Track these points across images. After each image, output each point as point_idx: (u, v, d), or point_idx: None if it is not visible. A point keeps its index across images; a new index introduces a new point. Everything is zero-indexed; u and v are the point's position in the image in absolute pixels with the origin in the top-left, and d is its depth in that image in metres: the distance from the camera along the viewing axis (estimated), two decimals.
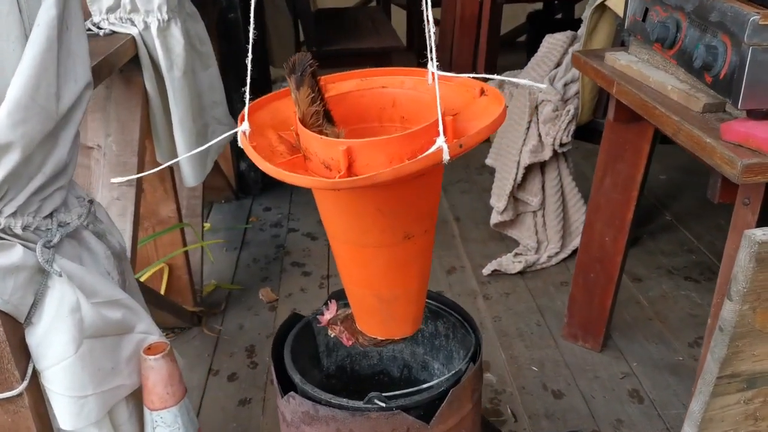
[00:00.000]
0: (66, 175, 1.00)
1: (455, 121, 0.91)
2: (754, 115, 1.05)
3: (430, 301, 1.25)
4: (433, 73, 0.90)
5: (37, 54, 0.87)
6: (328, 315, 1.17)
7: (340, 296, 1.20)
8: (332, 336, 1.17)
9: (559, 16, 4.44)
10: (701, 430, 1.12)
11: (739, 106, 1.03)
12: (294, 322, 1.23)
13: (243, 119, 0.90)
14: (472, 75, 0.99)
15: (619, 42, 2.00)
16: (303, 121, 0.88)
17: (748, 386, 1.08)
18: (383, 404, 1.01)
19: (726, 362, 1.04)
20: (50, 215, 0.98)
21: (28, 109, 0.87)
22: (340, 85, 1.02)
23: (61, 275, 0.96)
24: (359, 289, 1.01)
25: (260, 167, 0.82)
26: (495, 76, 0.95)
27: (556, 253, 2.33)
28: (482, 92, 0.98)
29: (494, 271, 2.28)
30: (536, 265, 2.31)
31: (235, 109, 2.73)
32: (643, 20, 1.37)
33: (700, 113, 1.16)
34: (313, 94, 0.88)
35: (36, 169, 0.93)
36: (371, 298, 0.99)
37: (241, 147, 0.88)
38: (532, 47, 4.20)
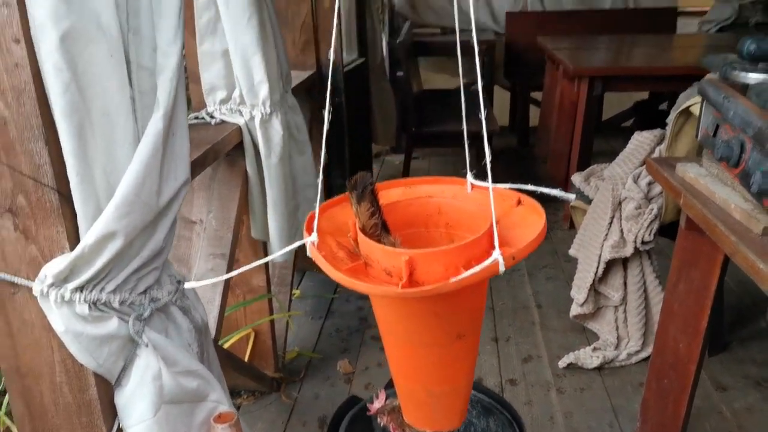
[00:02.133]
0: (161, 257, 1.15)
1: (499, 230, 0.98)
2: None
3: (481, 395, 1.29)
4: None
5: (144, 158, 1.03)
6: (377, 404, 1.24)
7: (389, 385, 1.28)
8: (381, 425, 1.24)
9: (664, 106, 4.41)
10: None
11: None
12: (352, 404, 1.31)
13: (311, 230, 1.00)
14: (508, 186, 1.06)
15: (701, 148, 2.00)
16: (363, 231, 0.98)
17: None
18: None
19: None
20: (144, 292, 1.13)
21: (132, 204, 1.03)
22: (389, 192, 1.12)
23: (147, 345, 1.10)
24: (409, 384, 1.08)
25: (331, 276, 0.91)
26: (529, 187, 1.02)
27: (637, 352, 2.28)
28: (519, 202, 1.06)
29: (570, 364, 2.27)
30: (615, 362, 2.27)
31: (331, 185, 2.92)
32: (714, 136, 1.39)
33: (759, 236, 1.16)
34: (372, 208, 0.98)
35: (135, 253, 1.08)
36: (421, 392, 1.06)
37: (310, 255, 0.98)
38: (634, 130, 4.18)
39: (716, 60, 1.39)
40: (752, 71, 1.26)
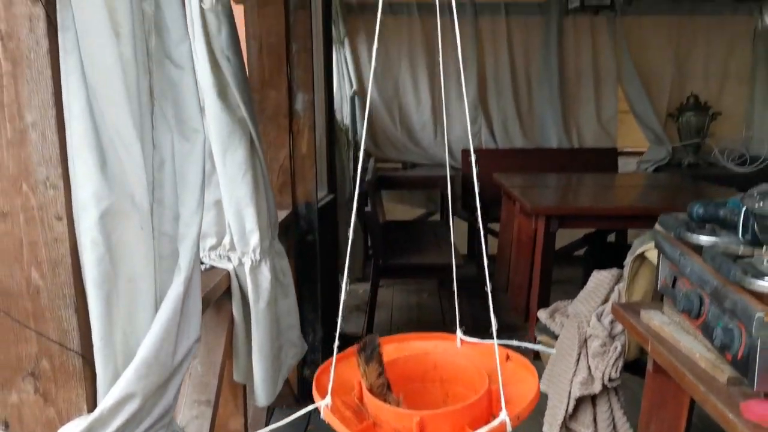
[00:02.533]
0: (169, 414, 1.19)
1: (491, 384, 1.07)
2: None
3: None
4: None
5: (164, 322, 1.10)
6: None
7: None
8: None
9: (612, 238, 4.69)
10: None
11: (754, 389, 1.15)
12: None
13: (322, 390, 1.07)
14: (497, 342, 1.16)
15: (660, 293, 2.16)
16: (371, 391, 1.06)
17: None
18: None
19: None
20: None
21: (150, 366, 1.08)
22: (384, 348, 1.20)
23: None
24: None
25: None
26: (516, 342, 1.12)
27: None
28: (507, 358, 1.16)
29: None
30: None
31: (303, 319, 2.97)
32: (673, 287, 1.54)
33: (725, 385, 1.28)
34: (379, 369, 1.07)
35: (147, 413, 1.12)
36: None
37: (324, 419, 1.04)
38: (587, 263, 4.41)
39: (670, 220, 1.57)
40: (702, 233, 1.43)
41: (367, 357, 1.08)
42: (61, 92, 0.97)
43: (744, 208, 1.31)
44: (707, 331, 1.34)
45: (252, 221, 1.84)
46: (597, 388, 2.29)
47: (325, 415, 1.03)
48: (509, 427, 0.94)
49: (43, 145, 0.98)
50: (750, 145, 4.79)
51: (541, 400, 2.76)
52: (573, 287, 4.51)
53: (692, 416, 1.71)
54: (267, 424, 2.60)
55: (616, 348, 2.26)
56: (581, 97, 5.22)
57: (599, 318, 2.32)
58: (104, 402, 1.04)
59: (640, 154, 5.25)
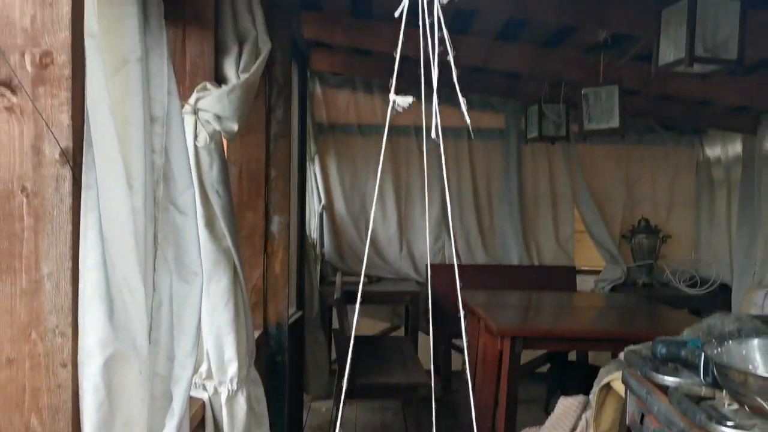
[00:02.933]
0: None
1: None
2: None
3: None
4: None
5: None
6: None
7: None
8: None
9: (573, 355, 4.78)
10: None
11: None
12: None
13: None
14: None
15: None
16: None
17: None
18: None
19: None
20: None
21: None
22: None
23: None
24: None
25: None
26: None
27: None
28: None
29: None
30: None
31: None
32: (641, 423, 1.61)
33: None
34: None
35: None
36: None
37: None
38: (550, 383, 4.46)
39: (635, 358, 1.66)
40: (667, 374, 1.52)
41: None
42: (78, 245, 1.03)
43: (704, 354, 1.41)
44: None
45: (231, 350, 1.88)
46: None
47: None
48: None
49: (56, 295, 1.03)
50: (699, 267, 5.03)
51: None
52: (537, 406, 4.55)
53: None
54: None
55: None
56: (540, 216, 5.46)
57: None
58: None
59: (597, 272, 5.45)
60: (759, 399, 1.18)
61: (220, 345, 1.87)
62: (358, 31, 4.01)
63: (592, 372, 2.92)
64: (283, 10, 2.87)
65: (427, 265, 5.44)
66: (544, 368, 5.16)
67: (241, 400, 1.89)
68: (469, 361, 4.40)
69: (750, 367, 1.37)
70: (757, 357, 1.37)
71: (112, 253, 1.07)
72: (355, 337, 4.25)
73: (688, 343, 1.58)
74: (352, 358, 3.57)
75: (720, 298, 4.67)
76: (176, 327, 1.22)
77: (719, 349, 1.33)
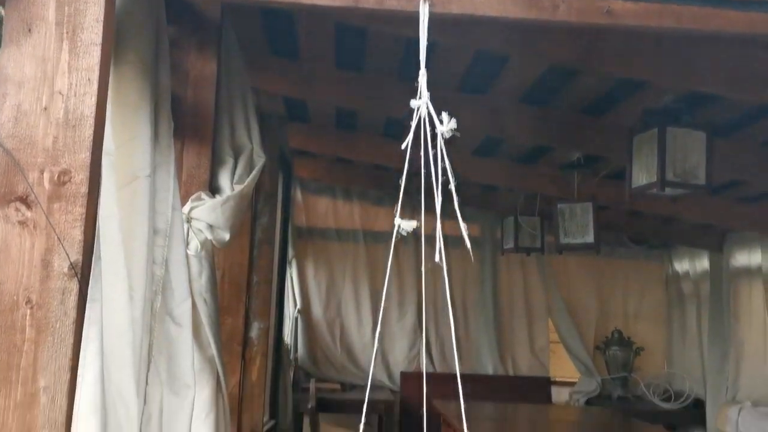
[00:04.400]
0: None
1: None
2: None
3: None
4: None
5: None
6: None
7: None
8: None
9: None
10: None
11: None
12: None
13: None
14: None
15: None
16: None
17: None
18: None
19: None
20: None
21: None
22: None
23: None
24: None
25: None
26: None
27: None
28: None
29: None
30: None
31: None
32: None
33: None
34: None
35: None
36: None
37: None
38: None
39: None
40: None
41: None
42: (78, 358, 1.04)
43: None
44: None
45: None
46: None
47: None
48: None
49: (50, 409, 1.02)
50: (673, 380, 5.04)
51: None
52: None
53: None
54: None
55: None
56: (515, 327, 5.49)
57: None
58: None
59: (572, 383, 5.43)
60: None
61: None
62: (341, 141, 4.16)
63: None
64: (273, 123, 2.99)
65: (404, 372, 5.38)
66: None
67: None
68: None
69: None
70: None
71: (109, 366, 1.08)
72: None
73: None
74: None
75: (694, 412, 4.66)
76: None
77: None
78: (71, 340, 1.03)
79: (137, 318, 1.16)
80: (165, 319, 1.28)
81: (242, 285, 2.87)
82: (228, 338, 2.84)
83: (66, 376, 1.03)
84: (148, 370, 1.23)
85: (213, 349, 1.90)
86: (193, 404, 1.26)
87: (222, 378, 1.94)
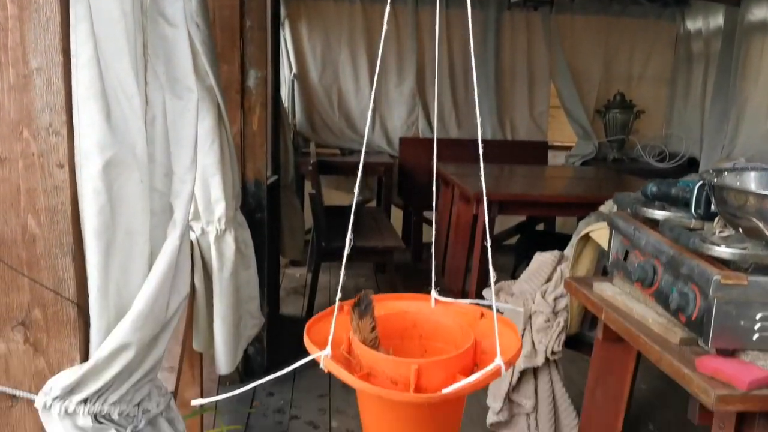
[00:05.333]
0: (156, 369, 1.19)
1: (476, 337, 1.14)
2: (722, 352, 1.29)
3: None
4: (492, 316, 1.12)
5: (160, 274, 1.10)
6: None
7: None
8: None
9: (541, 226, 4.90)
10: None
11: (708, 346, 1.27)
12: None
13: (320, 343, 1.09)
14: (468, 301, 1.23)
15: (602, 266, 2.30)
16: (364, 344, 1.10)
17: None
18: None
19: None
20: (138, 404, 1.16)
21: (146, 318, 1.08)
22: None
23: None
24: None
25: (353, 385, 1.01)
26: (489, 302, 1.18)
27: None
28: (482, 315, 1.23)
29: None
30: None
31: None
32: (625, 260, 1.66)
33: (677, 345, 1.40)
34: (373, 323, 1.11)
35: (138, 366, 1.12)
36: None
37: (324, 368, 1.06)
38: (519, 249, 4.58)
39: (625, 199, 1.68)
40: (658, 209, 1.55)
41: (361, 312, 1.12)
42: (68, 40, 0.96)
43: (697, 185, 1.43)
44: (661, 297, 1.46)
45: (218, 190, 1.84)
46: (540, 361, 2.41)
47: (326, 364, 1.05)
48: (503, 371, 1.00)
49: (47, 91, 0.96)
50: (669, 142, 5.10)
51: None
52: (505, 275, 4.67)
53: (635, 381, 1.84)
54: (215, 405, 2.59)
55: (559, 323, 2.39)
56: (515, 91, 5.40)
57: (543, 296, 2.44)
58: (99, 351, 1.04)
59: (568, 148, 5.49)
60: (755, 220, 1.20)
61: (206, 185, 1.84)
62: None
63: (561, 240, 3.00)
64: None
65: (403, 137, 5.41)
66: (513, 241, 5.30)
67: (230, 240, 1.88)
68: (438, 229, 4.48)
69: None
70: (752, 187, 1.39)
71: (104, 53, 1.00)
72: (329, 206, 4.27)
73: (678, 182, 1.60)
74: (326, 225, 3.58)
75: (688, 171, 4.77)
76: (173, 142, 1.16)
77: (716, 180, 1.34)
78: (58, 18, 0.95)
79: (127, 9, 1.06)
80: (158, 20, 1.17)
81: (235, 30, 2.72)
82: (225, 87, 2.75)
83: (59, 58, 0.96)
84: (145, 71, 1.16)
85: (211, 79, 1.83)
86: (198, 108, 1.20)
87: (223, 110, 1.89)
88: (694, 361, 1.31)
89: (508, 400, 2.48)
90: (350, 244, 1.11)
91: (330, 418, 2.77)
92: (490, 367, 1.00)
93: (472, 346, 1.12)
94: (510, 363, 1.04)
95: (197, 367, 2.07)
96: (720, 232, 1.34)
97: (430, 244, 4.31)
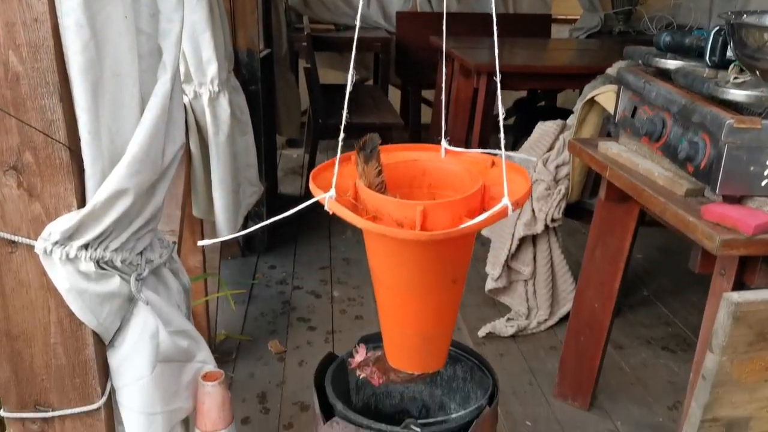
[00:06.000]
0: (157, 219, 1.17)
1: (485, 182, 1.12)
2: (728, 199, 1.27)
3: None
4: (500, 157, 1.08)
5: (153, 118, 1.06)
6: (358, 358, 1.33)
7: (366, 341, 1.37)
8: (360, 377, 1.32)
9: (542, 103, 4.81)
10: None
11: (717, 192, 1.25)
12: (330, 360, 1.39)
13: (324, 187, 1.06)
14: (480, 150, 1.20)
15: (606, 132, 2.26)
16: (370, 188, 1.07)
17: (727, 430, 1.26)
18: (419, 429, 1.17)
19: (708, 407, 1.23)
20: (141, 253, 1.15)
21: (142, 163, 1.05)
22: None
23: (147, 304, 1.12)
24: (404, 330, 1.17)
25: (359, 225, 0.99)
26: (497, 152, 1.15)
27: (545, 320, 2.51)
28: (493, 164, 1.20)
29: (489, 333, 2.46)
30: (527, 330, 2.49)
31: None
32: (632, 116, 1.61)
33: (682, 197, 1.38)
34: (378, 167, 1.08)
35: (137, 213, 1.10)
36: (415, 337, 1.16)
37: (329, 210, 1.03)
38: (517, 129, 4.52)
39: (636, 51, 1.61)
40: (671, 59, 1.48)
41: (366, 156, 1.09)
42: None
43: (714, 30, 1.36)
44: (668, 150, 1.42)
45: (209, 49, 1.76)
46: (539, 228, 2.42)
47: (330, 205, 1.03)
48: (510, 210, 0.99)
49: None
50: (678, 13, 4.89)
51: (481, 247, 2.89)
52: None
53: (634, 243, 1.85)
54: (219, 270, 2.62)
55: (560, 191, 2.38)
56: None
57: (545, 164, 2.41)
58: (96, 196, 1.01)
59: (572, 21, 5.29)
60: None
61: (196, 44, 1.75)
62: None
63: (562, 114, 2.93)
64: None
65: (400, 12, 5.19)
66: (511, 121, 5.22)
67: (224, 103, 1.82)
68: (436, 109, 4.38)
69: None
70: None
71: None
72: (326, 84, 4.11)
73: (693, 31, 1.52)
74: (324, 103, 3.45)
75: None
76: None
77: (736, 19, 1.27)
78: None
79: None
80: None
81: None
82: None
83: None
84: None
85: None
86: None
87: None
88: (699, 210, 1.29)
89: (507, 267, 2.51)
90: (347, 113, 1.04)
91: (331, 288, 2.82)
92: (497, 207, 0.98)
93: (479, 189, 1.09)
94: (518, 204, 1.02)
95: (198, 234, 2.07)
96: (735, 78, 1.29)
97: (429, 125, 4.23)
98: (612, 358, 2.33)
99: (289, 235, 3.33)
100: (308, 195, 1.08)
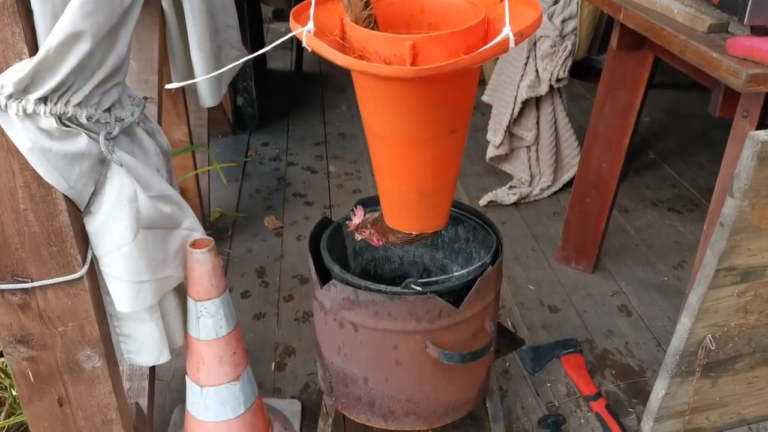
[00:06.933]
0: (122, 71, 1.05)
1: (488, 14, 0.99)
2: (757, 31, 1.15)
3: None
4: None
5: None
6: (356, 220, 1.25)
7: (364, 204, 1.29)
8: (359, 240, 1.25)
9: None
10: (697, 320, 1.24)
11: (745, 22, 1.12)
12: (325, 224, 1.31)
13: (303, 21, 0.94)
14: None
15: None
16: (356, 24, 0.95)
17: (742, 280, 1.21)
18: (419, 288, 1.11)
19: (724, 256, 1.16)
20: (108, 110, 1.04)
21: (97, 2, 0.92)
22: None
23: (121, 165, 1.03)
24: (400, 185, 1.09)
25: (339, 61, 0.87)
26: None
27: (548, 186, 2.44)
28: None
29: (490, 202, 2.39)
30: (529, 198, 2.42)
31: None
32: None
33: (705, 33, 1.25)
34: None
35: (98, 63, 0.98)
36: (412, 193, 1.07)
37: (306, 47, 0.91)
38: None
39: None
40: None
41: None
42: None
43: None
44: None
45: None
46: (543, 90, 2.30)
47: (308, 41, 0.91)
48: (512, 42, 0.87)
49: None
50: None
51: (477, 118, 2.77)
52: None
53: (646, 96, 1.73)
54: (208, 145, 2.52)
55: (566, 47, 2.23)
56: None
57: (550, 18, 2.25)
58: (49, 41, 0.89)
59: None
60: None
61: None
62: None
63: None
64: None
65: None
66: None
67: None
68: None
69: None
70: None
71: None
72: None
73: None
74: None
75: None
76: None
77: None
78: None
79: None
80: None
81: None
82: None
83: None
84: None
85: None
86: None
87: None
88: (723, 45, 1.17)
89: (509, 133, 2.41)
90: None
91: (327, 163, 2.73)
92: (497, 39, 0.86)
93: (480, 23, 0.97)
94: (522, 35, 0.90)
95: (181, 105, 1.95)
96: None
97: None
98: (617, 221, 2.28)
99: (282, 112, 3.20)
100: (298, 69, 0.95)
